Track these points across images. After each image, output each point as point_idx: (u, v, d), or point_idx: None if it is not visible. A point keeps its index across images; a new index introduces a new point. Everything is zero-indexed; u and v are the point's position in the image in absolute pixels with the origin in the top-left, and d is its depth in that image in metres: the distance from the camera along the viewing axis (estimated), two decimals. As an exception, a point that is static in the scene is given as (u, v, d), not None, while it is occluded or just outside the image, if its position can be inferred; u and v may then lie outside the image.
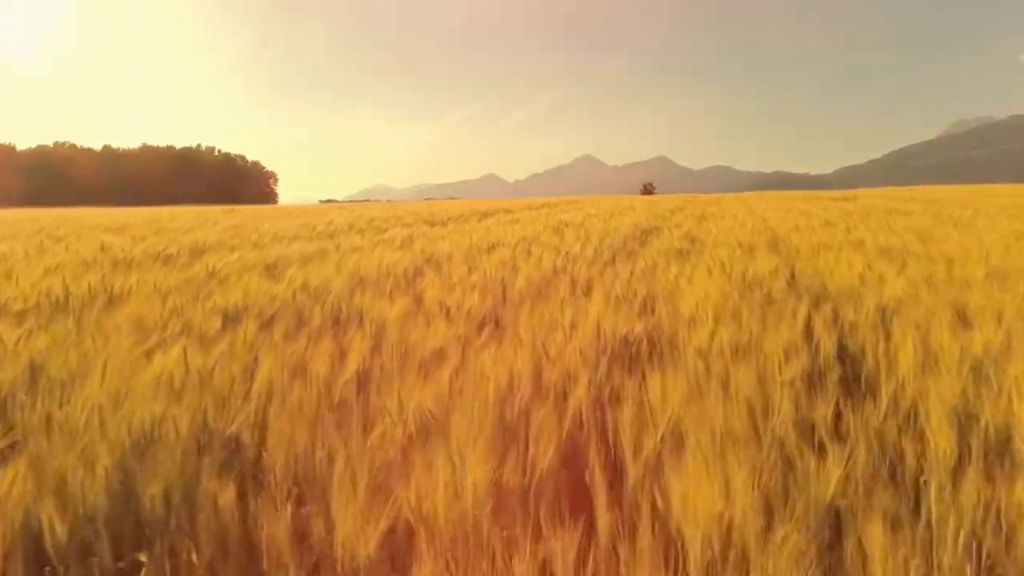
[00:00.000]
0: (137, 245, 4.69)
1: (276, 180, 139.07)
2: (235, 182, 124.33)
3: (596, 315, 2.05)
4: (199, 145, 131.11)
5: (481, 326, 2.11)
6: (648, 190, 74.37)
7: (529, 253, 4.02)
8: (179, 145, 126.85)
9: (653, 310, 2.53)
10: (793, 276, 2.90)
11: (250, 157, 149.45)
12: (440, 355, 1.80)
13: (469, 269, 3.25)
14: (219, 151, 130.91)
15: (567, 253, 4.11)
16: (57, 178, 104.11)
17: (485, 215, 9.23)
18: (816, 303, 2.33)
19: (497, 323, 2.40)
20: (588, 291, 2.86)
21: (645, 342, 2.00)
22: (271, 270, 3.33)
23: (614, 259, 4.12)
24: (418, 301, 2.55)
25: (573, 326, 2.03)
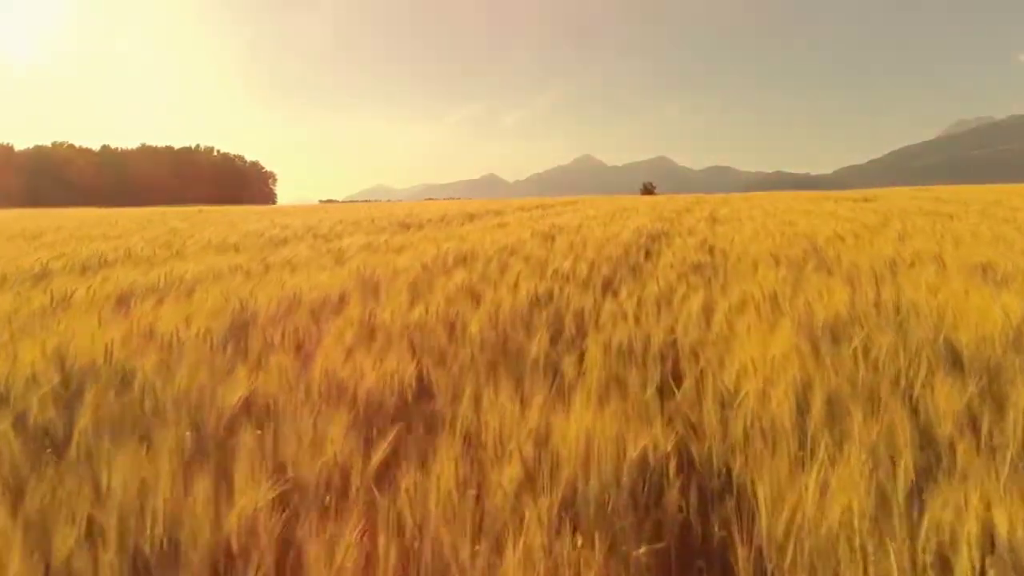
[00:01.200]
0: (21, 259, 3.75)
1: (275, 180, 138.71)
2: (234, 182, 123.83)
3: (587, 411, 1.11)
4: (197, 145, 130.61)
5: (381, 434, 1.17)
6: (648, 190, 73.37)
7: (504, 271, 3.08)
8: (178, 145, 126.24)
9: (680, 379, 1.60)
10: (881, 314, 1.96)
11: (249, 157, 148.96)
12: (250, 535, 0.85)
13: (412, 299, 2.30)
14: (217, 151, 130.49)
15: (554, 271, 3.16)
16: (56, 178, 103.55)
17: (471, 217, 8.26)
18: (961, 376, 1.39)
19: (427, 411, 1.45)
20: (575, 342, 1.93)
21: (677, 488, 1.05)
22: (137, 299, 2.38)
23: (615, 280, 3.17)
24: (307, 364, 1.61)
25: (545, 438, 1.09)
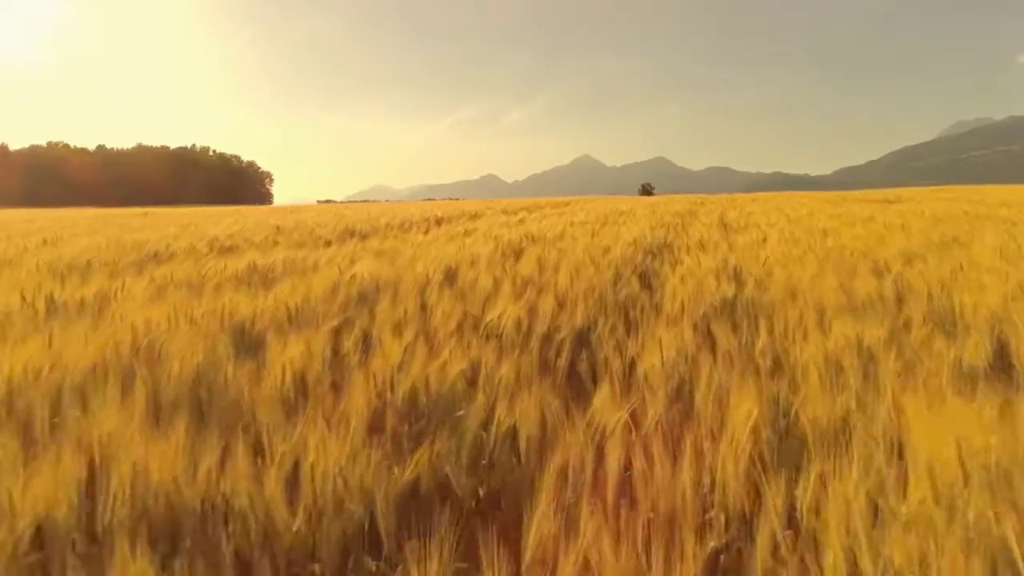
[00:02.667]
0: None
1: (271, 180, 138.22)
2: (230, 182, 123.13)
3: None
4: (194, 145, 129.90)
5: None
6: (647, 191, 72.18)
7: (410, 323, 1.86)
8: (174, 145, 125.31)
9: None
10: None
11: (246, 157, 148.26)
12: None
13: (154, 409, 1.09)
14: (214, 151, 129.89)
15: (495, 321, 1.94)
16: (52, 178, 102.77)
17: (440, 222, 6.98)
18: None
19: None
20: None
21: None
22: None
23: (591, 342, 1.94)
24: None
25: None
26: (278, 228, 5.61)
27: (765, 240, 4.39)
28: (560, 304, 2.32)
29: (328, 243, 4.80)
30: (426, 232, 5.54)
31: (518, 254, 3.74)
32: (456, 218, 7.76)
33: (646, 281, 3.05)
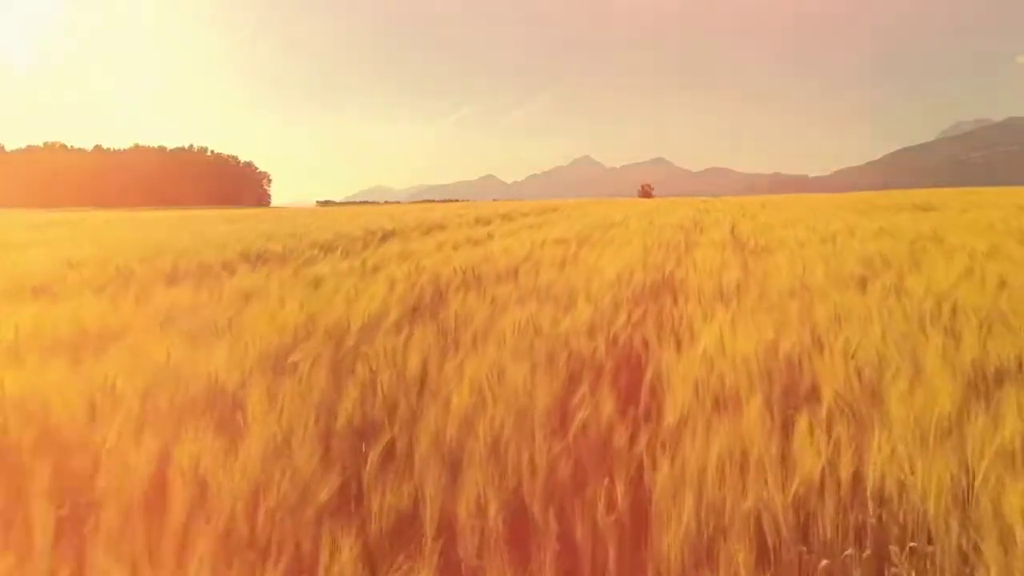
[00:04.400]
0: None
1: (269, 181, 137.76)
2: (228, 183, 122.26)
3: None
4: (191, 146, 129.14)
5: None
6: (646, 192, 70.64)
7: None
8: (171, 146, 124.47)
9: None
10: None
11: (245, 158, 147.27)
12: None
13: None
14: (211, 152, 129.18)
15: None
16: (48, 179, 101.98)
17: (384, 238, 5.59)
18: None
19: None
20: None
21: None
22: None
23: None
24: None
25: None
26: (159, 250, 4.26)
27: (806, 278, 3.03)
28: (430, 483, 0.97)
29: (184, 278, 3.44)
30: (347, 256, 4.17)
31: (433, 307, 2.39)
32: (410, 231, 6.34)
33: (629, 383, 1.68)
